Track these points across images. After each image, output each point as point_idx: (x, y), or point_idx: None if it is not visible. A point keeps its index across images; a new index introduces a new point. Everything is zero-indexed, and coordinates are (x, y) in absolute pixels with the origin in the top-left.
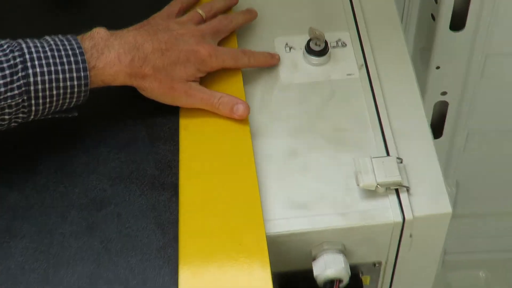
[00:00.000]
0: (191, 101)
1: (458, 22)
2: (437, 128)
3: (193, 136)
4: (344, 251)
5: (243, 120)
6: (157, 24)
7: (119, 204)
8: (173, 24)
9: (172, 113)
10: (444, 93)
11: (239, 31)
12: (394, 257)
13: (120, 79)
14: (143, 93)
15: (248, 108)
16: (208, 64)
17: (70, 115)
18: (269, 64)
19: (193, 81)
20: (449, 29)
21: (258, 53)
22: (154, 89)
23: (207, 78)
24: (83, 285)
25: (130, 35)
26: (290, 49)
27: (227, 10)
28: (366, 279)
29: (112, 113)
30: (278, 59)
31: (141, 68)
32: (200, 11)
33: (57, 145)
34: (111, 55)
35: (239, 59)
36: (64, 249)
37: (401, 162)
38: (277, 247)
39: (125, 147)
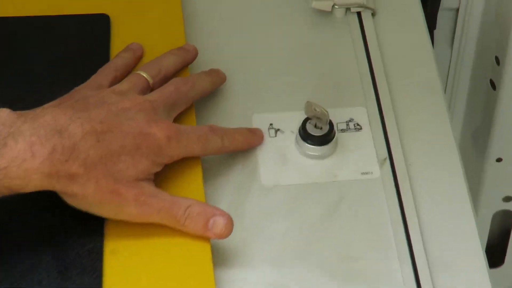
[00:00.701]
0: (144, 211)
1: None
2: (496, 253)
3: (124, 263)
4: None
5: (204, 240)
6: (87, 97)
7: None
8: (110, 95)
9: (93, 226)
10: (508, 199)
11: (199, 101)
12: None
13: (35, 183)
14: (70, 201)
15: (231, 223)
16: (166, 153)
17: None
18: (249, 144)
19: (146, 179)
20: None
21: (233, 130)
22: (87, 195)
23: None
24: None
25: (47, 115)
26: (276, 133)
27: (182, 69)
28: None
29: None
30: (262, 137)
31: (67, 163)
32: (145, 74)
33: None
34: (18, 146)
35: (208, 141)
36: None
37: None
38: None
39: (20, 282)
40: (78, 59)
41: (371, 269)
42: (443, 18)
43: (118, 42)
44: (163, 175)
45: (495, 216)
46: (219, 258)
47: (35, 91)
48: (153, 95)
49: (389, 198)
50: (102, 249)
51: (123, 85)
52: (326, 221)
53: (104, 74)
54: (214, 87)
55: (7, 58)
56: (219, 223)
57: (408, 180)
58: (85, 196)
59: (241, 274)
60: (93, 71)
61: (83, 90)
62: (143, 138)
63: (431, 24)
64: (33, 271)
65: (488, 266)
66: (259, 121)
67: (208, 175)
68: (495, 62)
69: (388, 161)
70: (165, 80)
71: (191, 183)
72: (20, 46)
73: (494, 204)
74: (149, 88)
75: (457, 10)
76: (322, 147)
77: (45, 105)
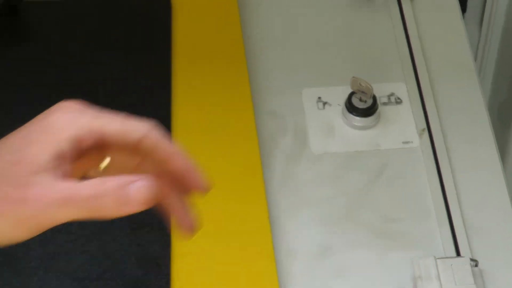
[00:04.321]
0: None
1: None
2: None
3: None
4: None
5: (260, 202)
6: None
7: None
8: None
9: None
10: None
11: (254, 77)
12: None
13: None
14: None
15: (153, 186)
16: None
17: None
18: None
19: None
20: None
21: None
22: None
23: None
24: None
25: None
26: (324, 105)
27: None
28: None
29: None
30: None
31: None
32: None
33: None
34: None
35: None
36: None
37: (476, 265)
38: None
39: (95, 237)
40: (140, 41)
41: (412, 231)
42: (472, 1)
43: (180, 26)
44: (230, 147)
45: None
46: (272, 220)
47: (97, 71)
48: None
49: (428, 165)
50: None
51: None
52: (370, 186)
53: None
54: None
55: (73, 38)
56: (137, 188)
57: (445, 149)
58: None
59: (293, 233)
60: (153, 52)
61: None
62: None
63: (462, 7)
64: (109, 228)
65: None
66: (308, 95)
67: (263, 144)
68: None
69: (426, 132)
70: None
71: (247, 152)
72: (84, 27)
73: None
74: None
75: None
76: (366, 118)
77: None
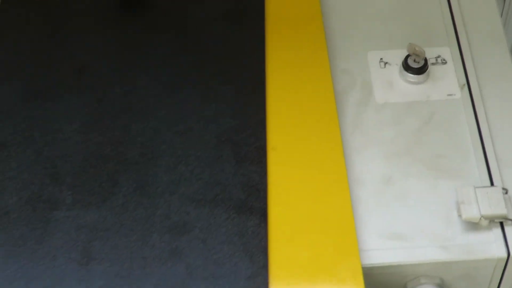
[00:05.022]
0: None
1: None
2: None
3: (282, 157)
4: (442, 285)
5: (336, 141)
6: None
7: (204, 229)
8: None
9: (258, 130)
10: None
11: (330, 42)
12: None
13: None
14: None
15: None
16: None
17: None
18: None
19: None
20: None
21: None
22: None
23: (295, 98)
24: None
25: None
26: (385, 65)
27: None
28: None
29: (194, 129)
30: None
31: None
32: None
33: (135, 163)
34: None
35: None
36: (146, 275)
37: (507, 193)
38: (369, 279)
39: (208, 167)
40: (234, 17)
41: (455, 165)
42: None
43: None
44: (310, 99)
45: None
46: (346, 156)
47: (190, 47)
48: None
49: (467, 113)
50: (265, 146)
51: None
52: (422, 129)
53: None
54: None
55: (167, 14)
56: None
57: (481, 100)
58: None
59: (361, 166)
60: (246, 30)
61: None
62: None
63: None
64: (219, 161)
65: None
66: (372, 57)
67: (338, 96)
68: None
69: (466, 86)
70: None
71: (325, 103)
72: (176, 3)
73: None
74: None
75: None
76: (419, 75)
77: None
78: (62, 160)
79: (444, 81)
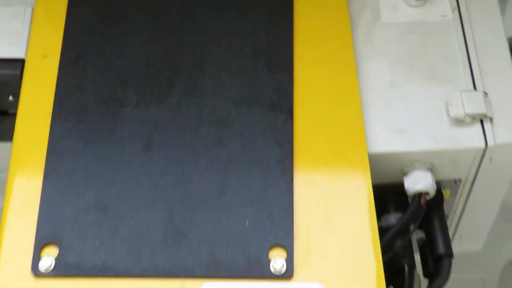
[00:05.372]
0: None
1: None
2: None
3: (306, 66)
4: (432, 169)
5: (349, 51)
6: None
7: (242, 123)
8: None
9: (288, 44)
10: None
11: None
12: (473, 177)
13: None
14: None
15: None
16: None
17: None
18: None
19: None
20: None
21: None
22: None
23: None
24: (213, 190)
25: None
26: None
27: None
28: (446, 193)
29: (235, 43)
30: None
31: None
32: None
33: (188, 70)
34: None
35: None
36: (196, 160)
37: (487, 96)
38: (374, 163)
39: (246, 75)
40: (262, 14)
41: (446, 74)
42: None
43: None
44: (326, 19)
45: None
46: (357, 65)
47: (217, 43)
48: None
49: (457, 31)
50: (292, 57)
51: None
52: (421, 43)
53: None
54: None
55: (190, 10)
56: None
57: (469, 22)
58: None
59: (369, 72)
60: (275, 27)
61: None
62: None
63: None
64: (254, 70)
65: None
66: None
67: (350, 17)
68: None
69: (457, 9)
70: None
71: (340, 23)
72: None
73: None
74: None
75: None
76: (419, 0)
77: None
78: (129, 68)
79: (439, 5)
